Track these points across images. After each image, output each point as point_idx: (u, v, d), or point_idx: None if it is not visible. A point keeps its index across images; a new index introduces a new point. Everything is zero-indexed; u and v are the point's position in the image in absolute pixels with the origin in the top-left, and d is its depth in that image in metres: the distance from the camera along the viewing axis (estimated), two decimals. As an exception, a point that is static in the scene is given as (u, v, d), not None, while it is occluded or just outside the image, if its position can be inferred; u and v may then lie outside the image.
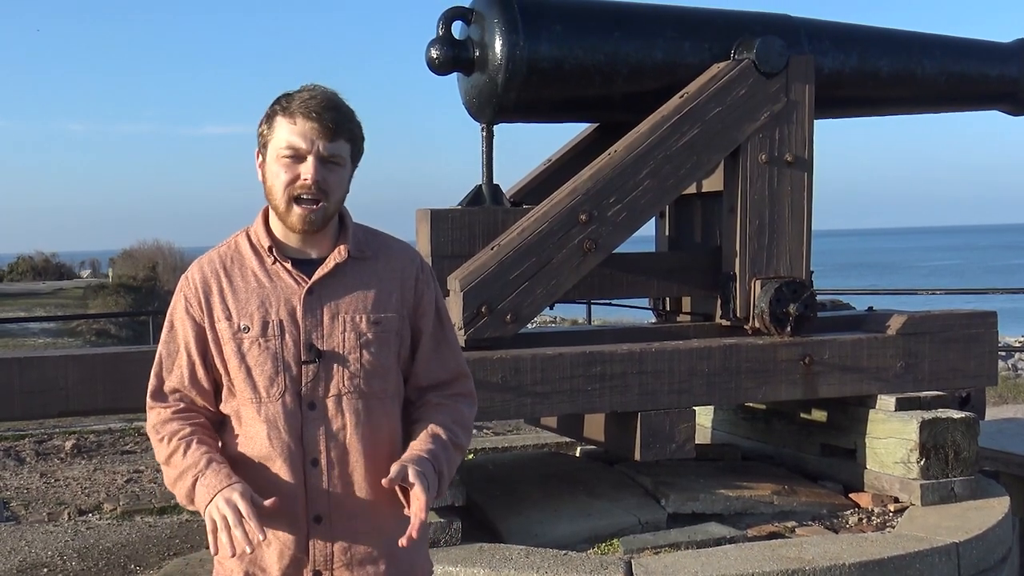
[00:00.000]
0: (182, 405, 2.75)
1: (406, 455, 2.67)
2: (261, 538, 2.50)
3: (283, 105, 2.66)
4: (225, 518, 2.49)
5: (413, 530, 2.56)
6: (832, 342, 6.36)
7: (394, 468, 2.60)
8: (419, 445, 2.71)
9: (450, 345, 2.88)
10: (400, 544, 2.57)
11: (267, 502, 2.57)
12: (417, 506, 2.56)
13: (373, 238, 2.82)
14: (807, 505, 6.29)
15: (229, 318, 2.69)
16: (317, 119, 2.62)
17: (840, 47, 6.78)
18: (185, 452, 2.65)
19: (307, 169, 2.63)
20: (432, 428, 2.75)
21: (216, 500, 2.53)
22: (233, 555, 2.51)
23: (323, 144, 2.63)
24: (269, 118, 2.69)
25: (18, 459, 8.63)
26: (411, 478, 2.57)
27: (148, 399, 2.78)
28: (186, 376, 2.74)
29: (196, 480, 2.61)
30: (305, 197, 2.64)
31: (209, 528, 2.53)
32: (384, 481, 2.58)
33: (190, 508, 2.67)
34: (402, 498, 2.63)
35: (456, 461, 2.80)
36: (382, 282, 2.75)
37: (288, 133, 2.63)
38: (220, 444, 2.76)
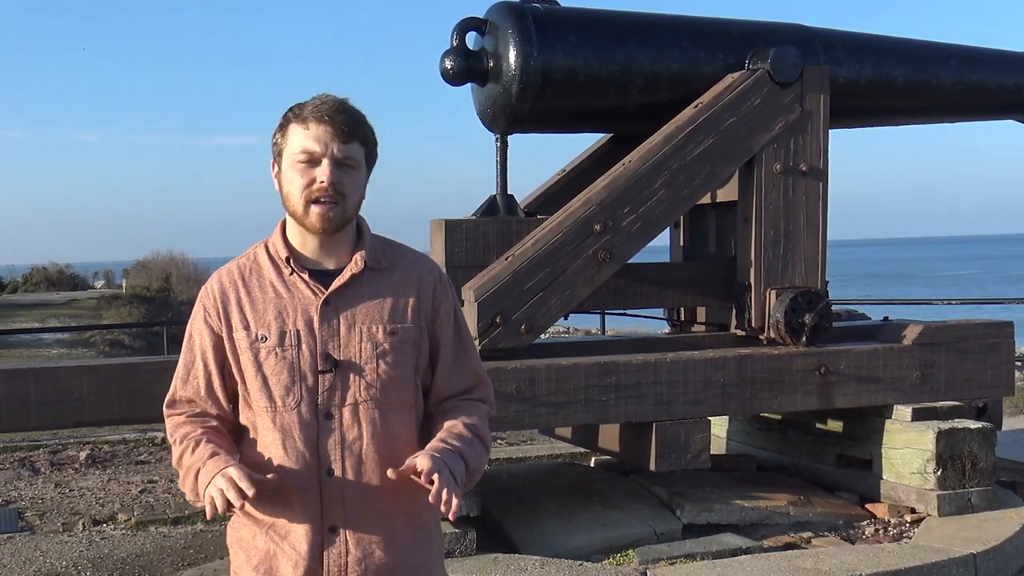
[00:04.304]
0: (197, 410, 2.77)
1: (425, 449, 2.67)
2: (250, 494, 2.51)
3: (296, 112, 2.70)
4: (221, 491, 2.52)
5: (433, 499, 2.53)
6: (848, 352, 6.34)
7: (408, 461, 2.60)
8: (437, 438, 2.71)
9: (469, 355, 2.88)
10: (429, 500, 2.55)
11: (268, 476, 2.60)
12: (436, 487, 2.54)
13: (390, 249, 2.83)
14: (823, 516, 6.26)
15: (247, 328, 2.71)
16: (330, 122, 2.65)
17: (855, 57, 6.76)
18: (193, 450, 2.68)
19: (323, 172, 2.65)
20: (450, 424, 2.76)
21: (215, 480, 2.56)
22: (224, 510, 2.53)
23: (337, 147, 2.65)
24: (282, 127, 2.72)
25: (33, 469, 8.65)
26: (421, 464, 2.56)
27: (164, 408, 2.80)
28: (202, 387, 2.76)
29: (198, 472, 2.64)
30: (322, 199, 2.65)
31: (207, 504, 2.56)
32: (390, 472, 2.59)
33: (198, 505, 2.67)
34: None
35: (482, 454, 2.78)
36: (399, 292, 2.76)
37: (302, 138, 2.66)
38: (234, 446, 2.77)
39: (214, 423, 2.76)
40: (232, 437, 2.80)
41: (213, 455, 2.63)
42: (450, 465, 2.61)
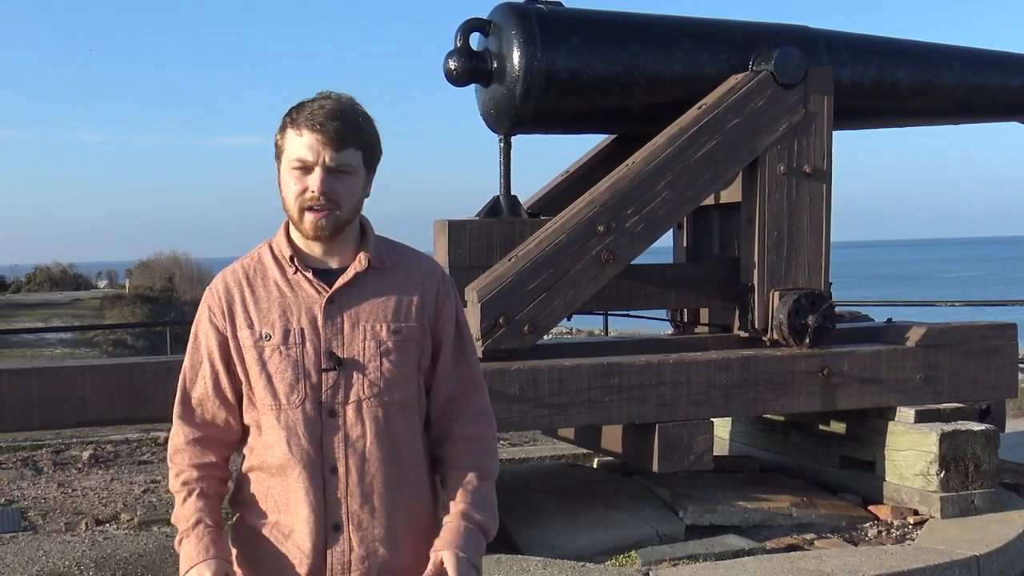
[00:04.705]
0: (200, 434, 2.76)
1: (445, 532, 2.71)
2: None
3: (292, 117, 2.70)
4: None
5: None
6: (851, 354, 6.34)
7: (433, 556, 2.66)
8: (456, 510, 2.75)
9: (469, 359, 2.88)
10: None
11: None
12: None
13: (394, 249, 2.84)
14: (826, 517, 6.26)
15: (251, 327, 2.71)
16: (321, 130, 2.64)
17: (859, 58, 6.76)
18: (184, 500, 2.72)
19: (314, 181, 2.65)
20: (467, 480, 2.79)
21: (189, 574, 2.61)
22: None
23: (329, 155, 2.65)
24: (282, 129, 2.73)
25: (36, 469, 8.65)
26: (448, 566, 2.63)
27: (175, 413, 2.80)
28: (209, 386, 2.76)
29: (182, 540, 2.68)
30: (315, 207, 2.66)
31: None
32: None
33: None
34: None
35: (495, 505, 2.86)
36: (403, 292, 2.76)
37: (296, 145, 2.67)
38: (223, 495, 2.80)
39: (212, 457, 2.75)
40: (235, 447, 2.82)
41: (197, 524, 2.67)
42: (474, 560, 2.69)
